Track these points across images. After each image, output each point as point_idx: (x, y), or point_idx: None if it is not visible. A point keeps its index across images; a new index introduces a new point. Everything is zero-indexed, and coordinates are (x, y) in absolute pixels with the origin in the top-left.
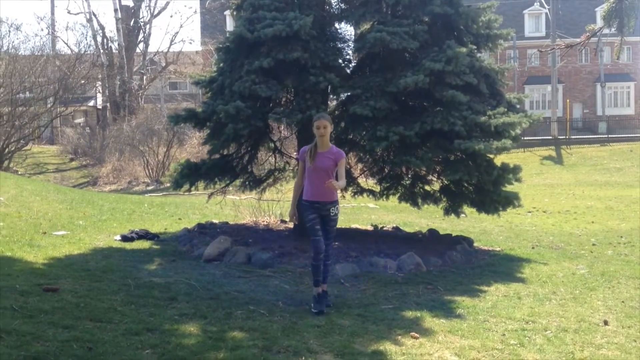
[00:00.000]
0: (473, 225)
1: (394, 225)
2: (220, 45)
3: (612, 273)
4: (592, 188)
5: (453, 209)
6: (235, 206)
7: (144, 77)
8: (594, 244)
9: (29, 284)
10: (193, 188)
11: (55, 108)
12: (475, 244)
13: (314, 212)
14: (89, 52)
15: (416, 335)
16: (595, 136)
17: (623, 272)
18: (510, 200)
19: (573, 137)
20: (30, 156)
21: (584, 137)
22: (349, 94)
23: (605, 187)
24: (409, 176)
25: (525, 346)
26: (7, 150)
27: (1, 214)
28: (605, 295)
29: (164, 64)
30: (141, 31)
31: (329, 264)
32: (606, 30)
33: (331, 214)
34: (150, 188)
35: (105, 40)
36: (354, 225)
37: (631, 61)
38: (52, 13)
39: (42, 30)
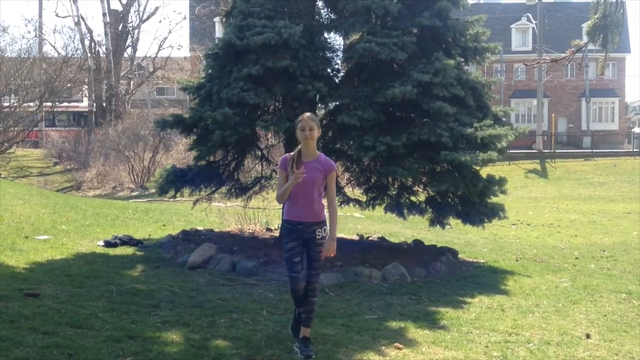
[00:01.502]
0: (458, 236)
1: (380, 235)
2: (209, 52)
3: (594, 287)
4: (575, 202)
5: (438, 220)
6: (220, 213)
7: (131, 82)
8: (577, 258)
9: (9, 288)
10: (178, 194)
11: (40, 111)
12: (459, 256)
13: (295, 237)
14: (76, 55)
15: (400, 345)
16: (580, 150)
17: (605, 286)
18: (495, 212)
19: (558, 151)
20: (14, 159)
21: (569, 151)
22: (337, 103)
23: (588, 201)
24: (395, 186)
25: (508, 358)
26: None
27: None
28: (588, 308)
29: (151, 69)
30: (129, 36)
31: (313, 301)
32: (592, 46)
33: (317, 237)
34: (135, 194)
35: (93, 44)
36: (339, 235)
37: (616, 77)
38: (40, 15)
39: (29, 32)
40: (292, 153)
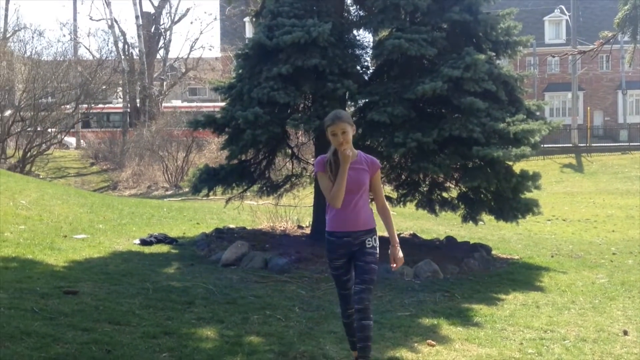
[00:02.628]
0: (491, 232)
1: (411, 232)
2: (240, 52)
3: (632, 283)
4: (612, 196)
5: (471, 216)
6: (252, 211)
7: (164, 83)
8: (614, 253)
9: (49, 286)
10: (211, 193)
11: (77, 113)
12: (493, 252)
13: (342, 254)
14: (110, 58)
15: (433, 342)
16: (617, 144)
17: None
18: (529, 208)
19: (594, 144)
20: (52, 160)
21: (605, 144)
22: (366, 100)
23: (626, 195)
24: (427, 183)
25: (543, 355)
26: (29, 154)
27: (23, 217)
28: (625, 305)
29: (183, 70)
30: (162, 37)
31: (367, 325)
32: (627, 38)
33: (367, 246)
34: (169, 193)
35: (126, 46)
36: None
37: None
38: (75, 19)
39: (64, 36)
40: (325, 155)
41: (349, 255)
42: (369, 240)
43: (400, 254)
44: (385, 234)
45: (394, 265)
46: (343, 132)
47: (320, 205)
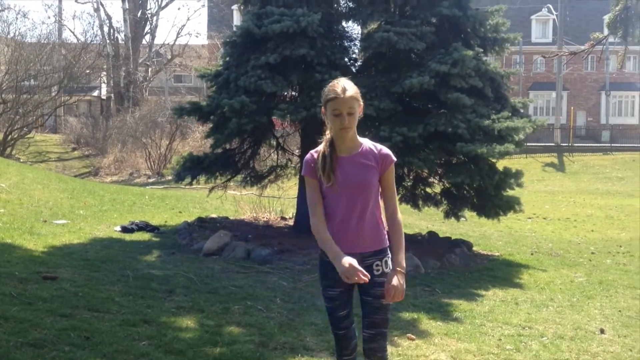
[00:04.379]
0: (473, 229)
1: None
2: (227, 40)
3: (610, 282)
4: (593, 196)
5: (453, 212)
6: (235, 201)
7: (149, 69)
8: (593, 253)
9: (28, 271)
10: (194, 182)
11: (59, 97)
12: (474, 248)
13: (338, 280)
14: (95, 41)
15: (412, 337)
16: (598, 144)
17: (621, 282)
18: (511, 205)
19: (576, 144)
20: (33, 144)
21: (587, 145)
22: None
23: (606, 196)
24: (411, 177)
25: (521, 352)
26: (10, 137)
27: (2, 200)
28: (603, 303)
29: (169, 57)
30: (148, 23)
31: None
32: (612, 39)
33: (375, 274)
34: (151, 180)
35: (111, 31)
36: None
37: (637, 70)
38: (60, 1)
39: (49, 18)
40: (319, 148)
41: (349, 284)
42: (377, 265)
43: (401, 285)
44: None
45: (390, 297)
46: (350, 112)
47: (304, 198)
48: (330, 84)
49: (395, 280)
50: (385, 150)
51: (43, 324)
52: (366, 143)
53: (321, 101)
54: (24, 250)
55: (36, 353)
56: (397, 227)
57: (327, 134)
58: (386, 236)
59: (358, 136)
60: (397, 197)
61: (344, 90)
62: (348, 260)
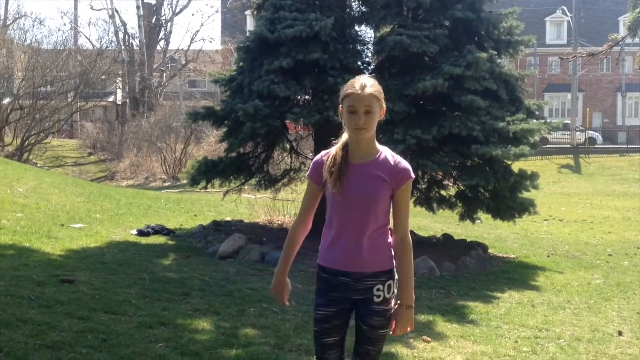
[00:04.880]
0: (488, 231)
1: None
2: (241, 45)
3: (627, 284)
4: (609, 198)
5: (468, 215)
6: (250, 205)
7: (164, 75)
8: (610, 254)
9: (45, 274)
10: (209, 185)
11: (75, 102)
12: (489, 251)
13: (332, 299)
14: (110, 48)
15: (428, 339)
16: (615, 146)
17: (639, 283)
18: (526, 207)
19: (592, 146)
20: (50, 149)
21: (603, 146)
22: None
23: (623, 197)
24: (425, 180)
25: (537, 354)
26: (27, 142)
27: (20, 205)
28: (620, 305)
29: (183, 62)
30: (162, 29)
31: None
32: (628, 40)
33: (375, 300)
34: (166, 184)
35: (126, 37)
36: None
37: None
38: (75, 8)
39: (64, 25)
40: (330, 150)
41: (345, 304)
42: (379, 289)
43: (409, 318)
44: None
45: (397, 330)
46: (367, 111)
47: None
48: (351, 79)
49: (401, 314)
50: (404, 164)
51: (61, 326)
52: (384, 152)
53: (340, 99)
54: (42, 253)
55: (54, 355)
56: (407, 253)
57: (343, 136)
58: (392, 257)
59: (377, 143)
60: (409, 219)
61: (363, 86)
62: (277, 286)
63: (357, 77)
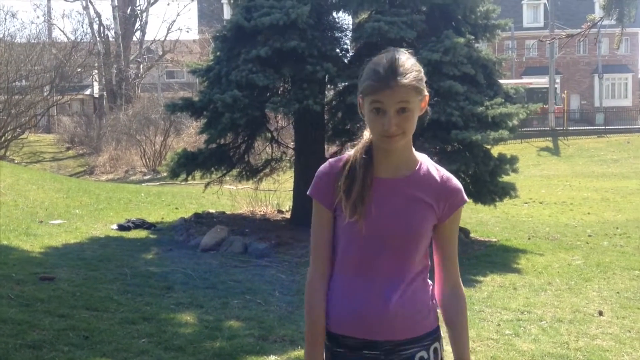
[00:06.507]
0: (469, 215)
1: None
2: (217, 34)
3: (607, 264)
4: (588, 179)
5: None
6: (232, 196)
7: (141, 66)
8: (589, 235)
9: (25, 272)
10: (190, 177)
11: (51, 96)
12: (471, 235)
13: None
14: (85, 40)
15: None
16: (593, 127)
17: (618, 263)
18: (506, 191)
19: (570, 128)
20: (27, 145)
21: (581, 128)
22: (346, 83)
23: (601, 178)
24: None
25: (520, 336)
26: (3, 138)
27: None
28: (601, 286)
29: (160, 53)
30: (138, 19)
31: None
32: (605, 22)
33: None
34: (147, 177)
35: (101, 28)
36: None
37: (629, 52)
38: (48, 0)
39: (38, 17)
40: (344, 156)
41: None
42: (422, 358)
43: None
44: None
45: None
46: (402, 108)
47: (300, 191)
48: (377, 56)
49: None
50: (454, 182)
51: (41, 324)
52: (425, 161)
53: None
54: (21, 251)
55: (35, 354)
56: (462, 308)
57: (365, 136)
58: (437, 311)
59: (414, 150)
60: (457, 253)
61: (395, 71)
62: None
63: (384, 54)
